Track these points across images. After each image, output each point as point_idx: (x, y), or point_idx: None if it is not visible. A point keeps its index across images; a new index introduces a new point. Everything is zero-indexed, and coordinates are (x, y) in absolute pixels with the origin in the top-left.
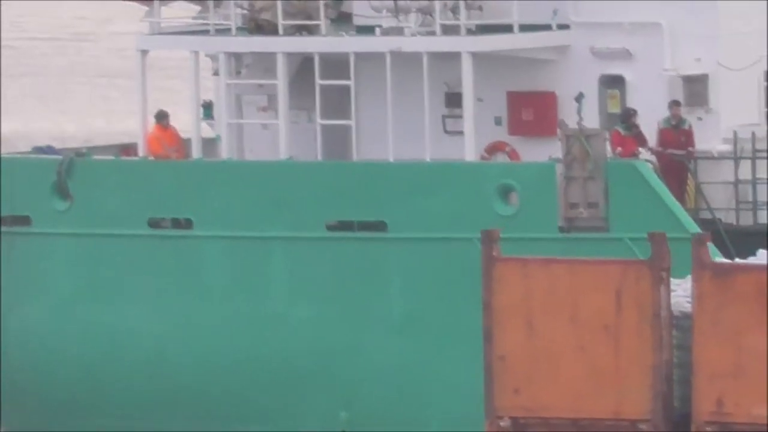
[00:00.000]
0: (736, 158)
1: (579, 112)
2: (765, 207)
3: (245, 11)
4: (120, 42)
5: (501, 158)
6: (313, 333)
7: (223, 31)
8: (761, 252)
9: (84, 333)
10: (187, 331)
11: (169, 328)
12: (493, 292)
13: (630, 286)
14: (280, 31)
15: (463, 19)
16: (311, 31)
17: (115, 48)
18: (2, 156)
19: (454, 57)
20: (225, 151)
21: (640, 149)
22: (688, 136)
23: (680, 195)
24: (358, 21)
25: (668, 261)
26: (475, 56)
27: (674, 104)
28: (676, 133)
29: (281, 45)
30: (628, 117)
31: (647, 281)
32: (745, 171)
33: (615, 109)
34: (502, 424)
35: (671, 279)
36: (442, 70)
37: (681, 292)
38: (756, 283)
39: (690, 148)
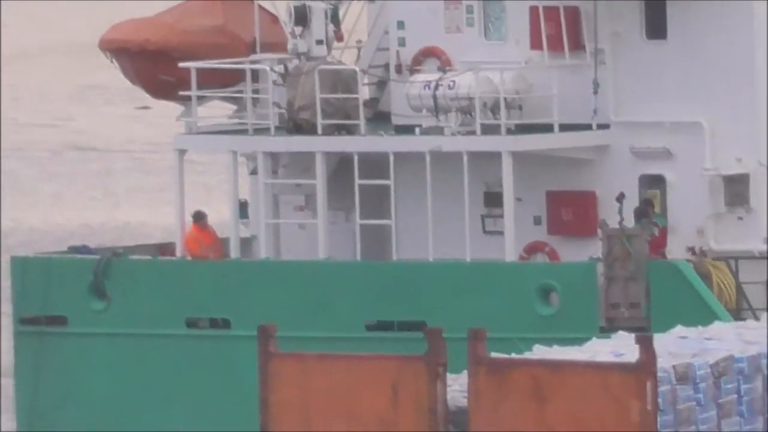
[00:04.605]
0: None
1: (620, 212)
2: None
3: (283, 110)
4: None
5: (540, 258)
6: None
7: (261, 131)
8: (538, 347)
9: None
10: None
11: (208, 429)
12: (269, 388)
13: (407, 382)
14: (319, 130)
15: (503, 119)
16: (350, 130)
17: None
18: (36, 256)
19: (493, 156)
20: (263, 251)
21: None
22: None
23: None
24: (396, 120)
25: (444, 356)
26: (515, 156)
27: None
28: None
29: (320, 144)
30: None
31: (424, 377)
32: None
33: (656, 208)
34: None
35: (447, 374)
36: (481, 170)
37: (457, 387)
38: (531, 378)
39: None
